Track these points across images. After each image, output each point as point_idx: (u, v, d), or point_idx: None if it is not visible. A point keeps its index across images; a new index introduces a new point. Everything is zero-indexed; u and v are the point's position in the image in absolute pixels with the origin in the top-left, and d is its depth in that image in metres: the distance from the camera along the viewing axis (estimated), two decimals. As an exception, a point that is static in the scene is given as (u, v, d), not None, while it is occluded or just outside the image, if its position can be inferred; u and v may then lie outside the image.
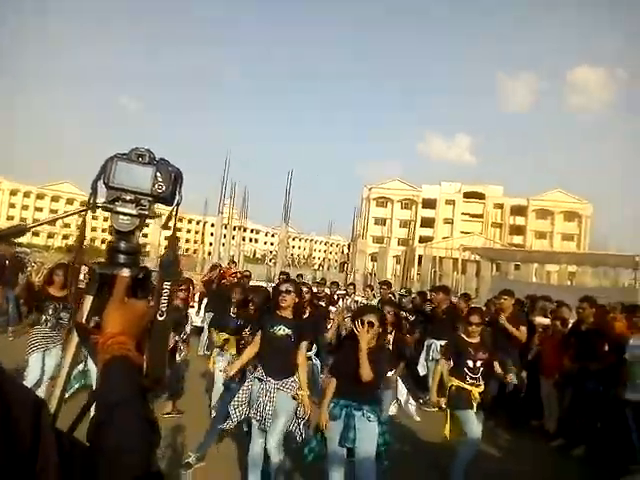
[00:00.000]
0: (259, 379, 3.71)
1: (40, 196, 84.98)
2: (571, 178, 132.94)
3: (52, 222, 1.19)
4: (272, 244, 78.21)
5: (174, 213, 1.03)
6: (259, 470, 3.67)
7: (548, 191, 67.22)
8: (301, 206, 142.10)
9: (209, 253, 31.16)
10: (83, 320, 0.97)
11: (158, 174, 0.96)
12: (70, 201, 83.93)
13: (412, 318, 7.89)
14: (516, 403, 6.16)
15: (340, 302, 9.73)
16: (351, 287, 10.43)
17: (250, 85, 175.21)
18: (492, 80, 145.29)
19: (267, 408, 3.58)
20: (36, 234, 77.74)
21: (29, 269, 11.74)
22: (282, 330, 3.71)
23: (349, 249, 37.36)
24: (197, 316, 9.72)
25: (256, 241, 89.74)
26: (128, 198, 0.95)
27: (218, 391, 5.15)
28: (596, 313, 6.10)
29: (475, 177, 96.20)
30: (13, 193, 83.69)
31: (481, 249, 23.27)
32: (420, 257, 33.60)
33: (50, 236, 69.94)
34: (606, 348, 5.45)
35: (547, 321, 6.60)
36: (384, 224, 68.50)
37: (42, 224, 1.16)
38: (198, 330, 9.61)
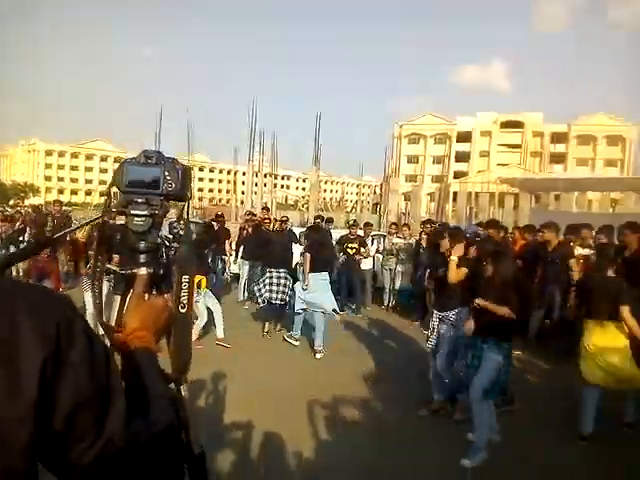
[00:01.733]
0: None
1: (74, 155, 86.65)
2: (614, 99, 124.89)
3: (76, 230, 1.34)
4: (304, 189, 78.01)
5: (186, 208, 1.09)
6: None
7: (590, 115, 63.50)
8: (331, 149, 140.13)
9: (241, 202, 31.38)
10: (114, 317, 1.03)
11: (166, 173, 1.00)
12: (104, 158, 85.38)
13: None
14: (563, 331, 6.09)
15: (375, 243, 9.70)
16: (394, 227, 10.18)
17: (271, 24, 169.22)
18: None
19: None
20: (75, 192, 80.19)
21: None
22: None
23: (381, 190, 36.80)
24: (234, 264, 9.93)
25: (288, 187, 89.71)
26: (140, 200, 0.99)
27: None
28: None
29: (512, 105, 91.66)
30: (48, 153, 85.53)
31: (519, 180, 22.49)
32: (455, 193, 32.94)
33: (88, 193, 71.92)
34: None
35: (587, 251, 6.40)
36: (417, 162, 66.88)
37: (69, 232, 1.32)
38: (236, 277, 9.85)
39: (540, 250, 6.64)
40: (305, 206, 31.81)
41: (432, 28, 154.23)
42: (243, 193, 35.64)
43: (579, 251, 6.47)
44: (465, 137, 66.24)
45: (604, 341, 4.02)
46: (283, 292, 6.87)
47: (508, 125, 65.42)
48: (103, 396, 0.65)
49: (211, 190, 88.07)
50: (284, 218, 10.14)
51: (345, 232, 9.65)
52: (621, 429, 4.18)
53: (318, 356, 6.17)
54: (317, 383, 5.11)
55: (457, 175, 56.88)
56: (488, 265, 3.98)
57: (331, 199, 58.45)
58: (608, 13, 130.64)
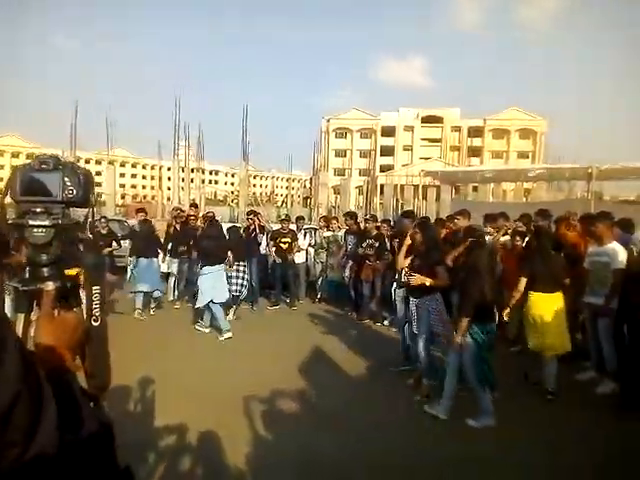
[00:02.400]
0: None
1: (-20, 152, 79.41)
2: (525, 95, 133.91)
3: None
4: (233, 184, 76.79)
5: (90, 216, 1.02)
6: None
7: (504, 110, 67.64)
8: (259, 143, 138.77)
9: (168, 198, 30.40)
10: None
11: (66, 179, 0.92)
12: (16, 154, 79.05)
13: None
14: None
15: (308, 237, 9.73)
16: (323, 220, 10.33)
17: (193, 19, 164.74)
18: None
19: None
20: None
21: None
22: None
23: (311, 183, 37.07)
24: (163, 263, 9.58)
25: (216, 182, 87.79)
26: (39, 210, 0.90)
27: None
28: (559, 226, 6.34)
29: (432, 101, 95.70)
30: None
31: (440, 173, 23.53)
32: (382, 186, 33.82)
33: (-3, 193, 66.24)
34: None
35: (504, 238, 6.80)
36: (345, 155, 67.96)
37: None
38: (165, 276, 9.52)
39: (454, 236, 6.96)
40: (235, 201, 31.34)
41: (351, 24, 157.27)
42: (169, 189, 34.50)
43: (499, 239, 6.86)
44: (389, 132, 68.22)
45: (546, 310, 4.70)
46: (238, 283, 7.73)
47: (429, 120, 68.18)
48: (36, 401, 0.63)
49: (134, 186, 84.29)
50: (210, 213, 9.89)
51: (278, 227, 9.62)
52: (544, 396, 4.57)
53: (225, 335, 6.66)
54: (253, 379, 5.07)
55: (383, 169, 58.37)
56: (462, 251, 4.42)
57: (261, 194, 58.06)
58: (519, 12, 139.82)
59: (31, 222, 0.91)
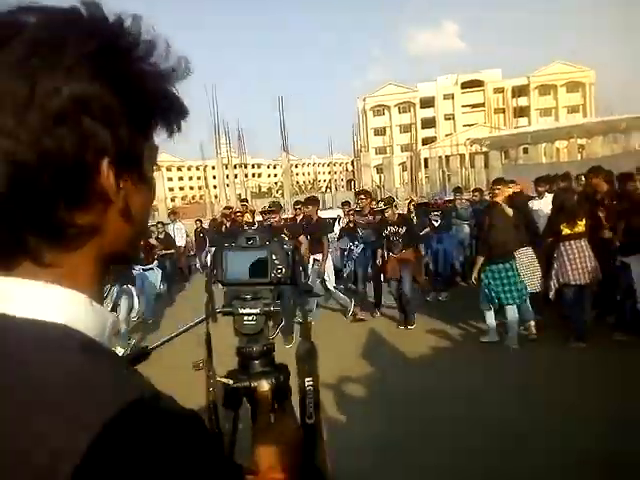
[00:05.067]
0: None
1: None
2: (569, 47, 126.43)
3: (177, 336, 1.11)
4: (276, 175, 77.53)
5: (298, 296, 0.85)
6: None
7: (547, 65, 64.25)
8: (298, 131, 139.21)
9: (215, 196, 31.09)
10: None
11: (274, 256, 0.82)
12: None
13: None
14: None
15: None
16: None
17: (223, 8, 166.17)
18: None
19: None
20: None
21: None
22: None
23: (353, 166, 36.81)
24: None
25: (259, 175, 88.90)
26: (249, 297, 0.81)
27: None
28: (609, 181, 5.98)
29: (470, 65, 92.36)
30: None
31: (487, 139, 22.67)
32: (426, 160, 33.13)
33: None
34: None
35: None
36: (384, 133, 66.98)
37: (167, 341, 1.02)
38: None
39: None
40: (280, 192, 31.64)
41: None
42: (215, 187, 35.28)
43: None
44: (428, 102, 66.47)
45: None
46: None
47: (468, 85, 65.85)
48: None
49: (182, 188, 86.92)
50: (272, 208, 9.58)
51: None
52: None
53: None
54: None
55: (426, 141, 57.18)
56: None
57: (304, 182, 58.26)
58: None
59: (240, 310, 0.81)
